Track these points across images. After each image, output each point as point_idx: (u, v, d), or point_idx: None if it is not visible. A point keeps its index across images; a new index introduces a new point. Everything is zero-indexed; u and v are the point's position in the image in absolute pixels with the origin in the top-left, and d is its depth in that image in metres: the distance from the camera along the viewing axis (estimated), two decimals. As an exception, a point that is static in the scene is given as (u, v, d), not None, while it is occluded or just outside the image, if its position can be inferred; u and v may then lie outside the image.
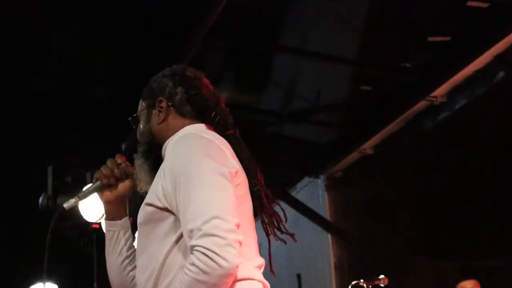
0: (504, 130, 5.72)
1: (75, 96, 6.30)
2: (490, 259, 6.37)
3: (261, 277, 2.22)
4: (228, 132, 2.28)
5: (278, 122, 7.54)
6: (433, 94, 6.05)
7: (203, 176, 2.06)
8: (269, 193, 2.39)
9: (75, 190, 5.03)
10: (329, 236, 7.77)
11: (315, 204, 7.79)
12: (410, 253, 6.96)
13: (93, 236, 5.16)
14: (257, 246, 2.29)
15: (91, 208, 4.96)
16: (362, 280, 4.88)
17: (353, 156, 7.37)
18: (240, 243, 2.02)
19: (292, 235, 2.46)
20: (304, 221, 7.87)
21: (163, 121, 2.32)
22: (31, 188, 5.18)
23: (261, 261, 2.25)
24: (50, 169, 4.96)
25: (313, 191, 8.00)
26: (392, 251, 7.06)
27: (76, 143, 6.29)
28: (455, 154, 6.21)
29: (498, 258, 6.37)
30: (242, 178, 2.20)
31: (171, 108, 2.32)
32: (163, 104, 2.32)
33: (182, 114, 2.32)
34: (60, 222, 5.06)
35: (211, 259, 1.95)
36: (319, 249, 7.93)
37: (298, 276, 8.29)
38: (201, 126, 2.31)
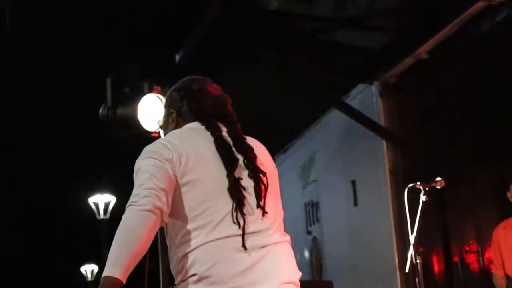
0: None
1: (129, 10, 6.33)
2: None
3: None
4: (217, 133, 2.83)
5: (330, 29, 7.47)
6: (490, -6, 5.91)
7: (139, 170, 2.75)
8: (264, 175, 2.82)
9: (134, 101, 5.18)
10: (384, 142, 7.78)
11: (369, 110, 7.78)
12: (466, 158, 6.94)
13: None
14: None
15: (151, 117, 5.06)
16: (418, 183, 4.88)
17: (408, 61, 7.28)
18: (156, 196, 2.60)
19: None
20: (358, 128, 7.89)
21: (175, 127, 2.98)
22: (91, 99, 5.28)
23: (222, 233, 2.65)
24: (108, 81, 5.05)
25: (367, 98, 7.97)
26: (447, 156, 7.06)
27: (132, 55, 6.35)
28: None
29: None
30: (190, 166, 2.71)
31: (179, 117, 2.99)
32: (174, 115, 3.00)
33: (186, 121, 2.97)
34: (120, 132, 5.22)
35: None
36: (374, 155, 7.97)
37: (353, 182, 8.40)
38: (181, 128, 2.94)
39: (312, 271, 9.71)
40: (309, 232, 9.75)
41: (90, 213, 16.32)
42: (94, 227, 16.46)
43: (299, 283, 2.72)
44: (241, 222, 2.66)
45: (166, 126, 3.04)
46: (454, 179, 6.54)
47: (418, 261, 4.72)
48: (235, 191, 2.71)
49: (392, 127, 7.74)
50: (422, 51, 7.03)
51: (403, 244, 7.32)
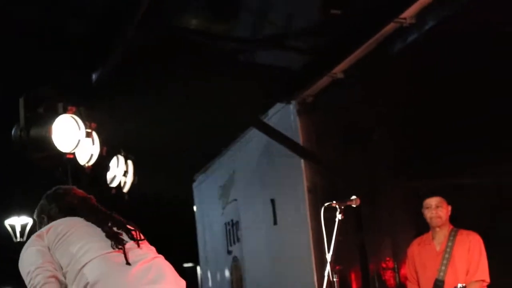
0: (474, 50, 5.75)
1: (49, 27, 6.21)
2: (459, 178, 6.49)
3: None
4: (78, 213, 3.40)
5: (249, 49, 7.51)
6: (402, 15, 6.05)
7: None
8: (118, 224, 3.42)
9: (48, 121, 5.07)
10: (302, 161, 7.85)
11: (287, 129, 7.83)
12: (382, 175, 7.07)
13: (68, 166, 5.18)
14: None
15: (65, 138, 4.97)
16: (334, 202, 4.93)
17: (324, 81, 7.38)
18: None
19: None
20: (277, 146, 7.93)
21: None
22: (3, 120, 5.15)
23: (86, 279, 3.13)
24: (21, 101, 4.93)
25: (285, 117, 8.03)
26: (364, 173, 7.17)
27: (47, 75, 6.23)
28: (425, 76, 6.25)
29: (465, 176, 6.49)
30: (58, 231, 3.27)
31: (50, 220, 3.43)
32: (45, 220, 3.46)
33: (54, 219, 3.42)
34: (34, 154, 5.10)
35: None
36: (292, 174, 8.02)
37: (272, 201, 8.44)
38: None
39: (233, 290, 9.70)
40: (229, 252, 9.73)
41: (7, 235, 15.86)
42: (11, 250, 15.97)
43: None
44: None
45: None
46: (371, 196, 6.66)
47: (335, 279, 4.76)
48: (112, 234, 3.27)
49: (310, 146, 7.82)
50: (338, 71, 7.14)
51: (321, 263, 7.34)
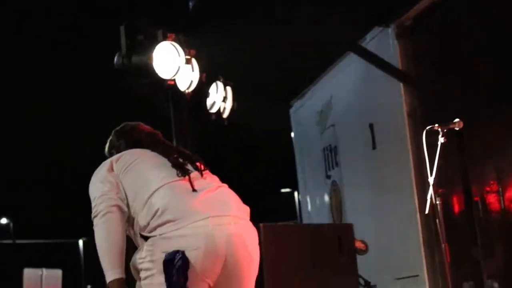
0: None
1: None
2: None
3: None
4: (144, 146, 3.48)
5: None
6: None
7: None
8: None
9: (148, 49, 5.15)
10: (401, 85, 7.73)
11: (385, 54, 7.71)
12: (484, 99, 6.88)
13: (168, 93, 5.28)
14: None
15: (165, 64, 5.04)
16: (436, 125, 4.85)
17: (424, 3, 7.19)
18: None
19: None
20: (375, 71, 7.83)
21: None
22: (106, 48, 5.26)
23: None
24: (122, 29, 5.01)
25: (383, 41, 7.88)
26: (465, 97, 7.00)
27: (146, 3, 6.30)
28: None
29: None
30: (126, 159, 3.36)
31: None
32: (114, 154, 3.49)
33: None
34: (136, 80, 5.21)
35: None
36: (391, 99, 7.93)
37: (371, 126, 8.37)
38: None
39: (332, 215, 9.76)
40: (328, 176, 9.77)
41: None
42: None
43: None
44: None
45: None
46: (473, 120, 6.49)
47: (437, 202, 4.73)
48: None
49: (409, 70, 7.68)
50: (439, -9, 6.92)
51: (422, 186, 7.31)
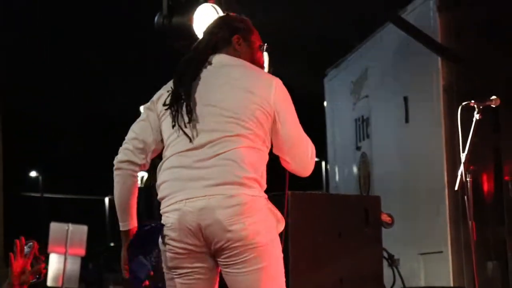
0: None
1: None
2: None
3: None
4: None
5: None
6: None
7: None
8: None
9: (189, 10, 5.17)
10: (439, 59, 7.65)
11: (425, 26, 7.62)
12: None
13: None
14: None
15: (206, 26, 5.05)
16: (473, 101, 4.80)
17: (468, -25, 7.08)
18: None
19: None
20: (413, 43, 7.75)
21: None
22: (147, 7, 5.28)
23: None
24: (164, -12, 5.03)
25: (424, 13, 7.80)
26: (504, 74, 6.93)
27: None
28: None
29: None
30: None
31: None
32: None
33: None
34: (176, 41, 5.23)
35: None
36: (428, 73, 7.86)
37: (405, 99, 8.33)
38: None
39: (359, 186, 9.76)
40: (358, 148, 9.75)
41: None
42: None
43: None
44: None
45: None
46: (511, 98, 6.43)
47: (468, 179, 4.70)
48: None
49: (448, 44, 7.59)
50: (484, -37, 6.82)
51: (453, 163, 7.29)
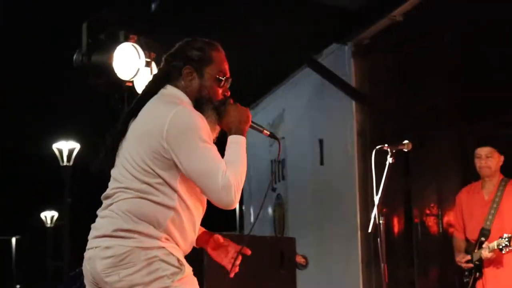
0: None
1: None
2: (511, 129, 6.39)
3: None
4: None
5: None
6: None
7: None
8: None
9: (109, 48, 5.14)
10: (353, 103, 7.84)
11: (340, 70, 7.82)
12: (433, 121, 7.02)
13: (125, 94, 5.26)
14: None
15: (125, 65, 5.04)
16: (386, 145, 4.91)
17: (382, 23, 7.30)
18: None
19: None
20: (328, 87, 7.92)
21: None
22: (65, 44, 5.23)
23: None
24: (84, 26, 4.99)
25: (340, 58, 8.00)
26: (415, 119, 7.13)
27: (109, 2, 6.27)
28: (488, 21, 6.13)
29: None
30: None
31: None
32: None
33: None
34: (94, 79, 5.19)
35: None
36: (343, 116, 8.03)
37: (320, 141, 8.47)
38: None
39: (274, 227, 9.82)
40: (274, 189, 9.83)
41: (54, 159, 16.20)
42: (57, 174, 16.34)
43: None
44: None
45: None
46: (420, 141, 6.63)
47: (381, 221, 4.78)
48: None
49: (362, 88, 7.80)
50: (398, 13, 7.05)
51: (366, 205, 7.44)
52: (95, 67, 4.96)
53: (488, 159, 5.60)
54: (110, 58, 4.92)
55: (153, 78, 3.07)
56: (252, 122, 3.10)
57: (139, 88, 5.30)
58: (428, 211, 7.24)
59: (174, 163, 2.85)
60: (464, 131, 6.70)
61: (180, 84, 3.02)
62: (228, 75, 3.08)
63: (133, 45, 5.09)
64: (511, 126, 6.17)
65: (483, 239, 5.52)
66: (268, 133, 3.24)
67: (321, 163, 8.42)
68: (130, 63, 5.08)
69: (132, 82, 5.17)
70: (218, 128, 3.06)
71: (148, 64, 5.22)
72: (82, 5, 6.10)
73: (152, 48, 5.29)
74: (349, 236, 7.76)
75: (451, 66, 6.72)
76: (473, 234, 5.61)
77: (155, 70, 5.39)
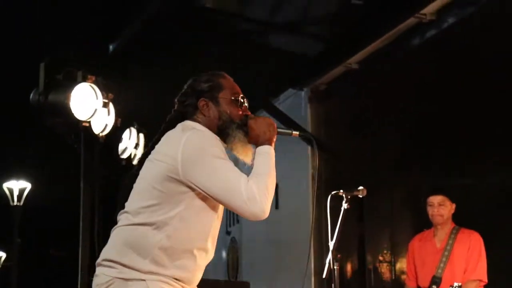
0: (491, 51, 5.76)
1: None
2: (464, 176, 6.50)
3: None
4: None
5: (264, 32, 7.53)
6: (423, 11, 6.07)
7: None
8: None
9: (67, 88, 5.11)
10: (309, 148, 7.89)
11: (297, 115, 7.88)
12: (386, 168, 7.10)
13: (81, 134, 5.22)
14: None
15: (82, 106, 5.01)
16: (341, 191, 4.94)
17: (338, 70, 7.42)
18: None
19: None
20: (285, 132, 7.95)
21: None
22: (22, 83, 5.19)
23: None
24: (42, 66, 4.96)
25: (296, 103, 8.08)
26: (369, 165, 7.21)
27: (67, 43, 6.27)
28: (440, 73, 6.26)
29: (469, 176, 6.49)
30: None
31: None
32: None
33: None
34: (51, 119, 5.14)
35: None
36: (298, 160, 8.08)
37: (276, 185, 8.46)
38: None
39: (228, 272, 9.75)
40: (228, 233, 9.79)
41: (4, 198, 15.89)
42: (7, 213, 16.02)
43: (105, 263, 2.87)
44: None
45: None
46: (374, 188, 6.69)
47: (335, 267, 4.79)
48: None
49: (318, 134, 7.86)
50: (353, 61, 7.18)
51: (320, 250, 7.44)
52: (52, 107, 4.91)
53: (440, 207, 5.65)
54: (67, 98, 4.88)
55: (168, 120, 3.03)
56: (277, 128, 3.10)
57: (96, 128, 5.28)
58: (381, 258, 7.28)
59: (187, 188, 2.83)
60: (417, 179, 6.77)
61: (198, 118, 3.02)
62: (241, 94, 3.10)
63: (90, 86, 5.07)
64: (464, 175, 6.28)
65: (434, 287, 5.55)
66: (298, 133, 3.19)
67: (276, 207, 8.42)
68: (88, 103, 5.05)
69: (89, 122, 5.13)
70: (251, 148, 3.08)
71: (105, 105, 5.20)
72: (39, 45, 6.07)
73: (110, 89, 5.28)
74: (303, 281, 7.73)
75: (404, 115, 6.83)
76: (425, 282, 5.64)
77: (112, 110, 5.38)
